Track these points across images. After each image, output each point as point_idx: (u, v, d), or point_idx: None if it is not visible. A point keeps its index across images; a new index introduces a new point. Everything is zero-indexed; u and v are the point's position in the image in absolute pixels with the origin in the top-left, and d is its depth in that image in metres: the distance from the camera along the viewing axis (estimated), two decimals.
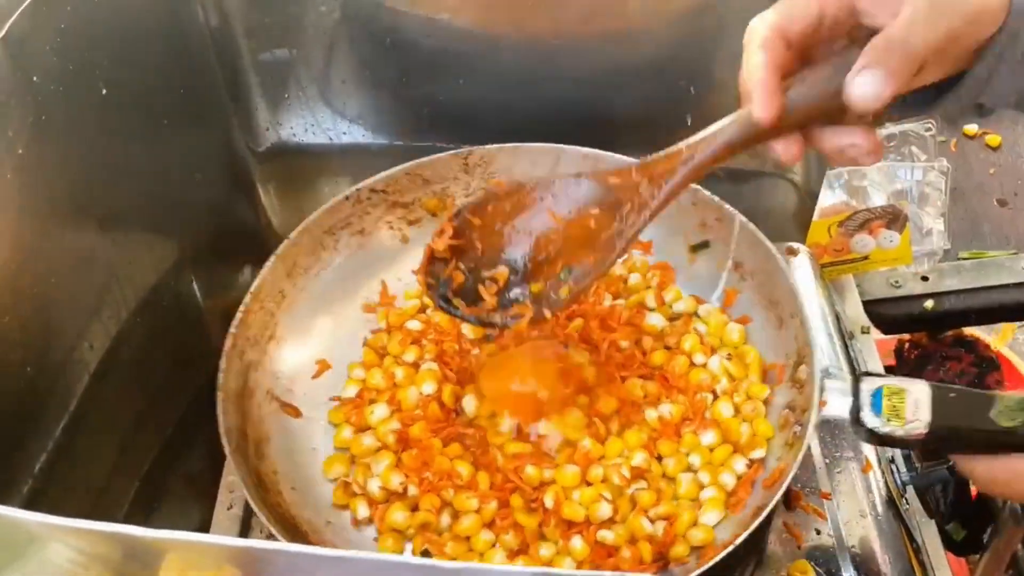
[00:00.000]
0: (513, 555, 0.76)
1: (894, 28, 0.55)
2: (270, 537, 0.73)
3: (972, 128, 1.51)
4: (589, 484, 0.79)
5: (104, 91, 0.77)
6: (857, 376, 0.69)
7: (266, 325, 0.87)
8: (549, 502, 0.77)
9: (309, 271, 0.91)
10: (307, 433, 0.85)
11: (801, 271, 1.00)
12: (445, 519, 0.78)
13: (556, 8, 0.94)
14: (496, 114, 0.99)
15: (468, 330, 0.89)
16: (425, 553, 0.77)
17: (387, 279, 0.95)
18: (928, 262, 1.17)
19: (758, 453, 0.80)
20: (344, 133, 1.06)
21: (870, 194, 1.15)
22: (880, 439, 0.67)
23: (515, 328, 0.81)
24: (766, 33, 0.58)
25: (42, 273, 0.72)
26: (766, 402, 0.83)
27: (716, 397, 0.84)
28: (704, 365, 0.86)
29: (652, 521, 0.77)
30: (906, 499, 0.84)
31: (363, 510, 0.80)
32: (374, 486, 0.80)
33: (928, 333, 1.26)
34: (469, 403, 0.84)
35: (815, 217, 1.03)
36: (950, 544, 0.82)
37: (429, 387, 0.85)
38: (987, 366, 1.29)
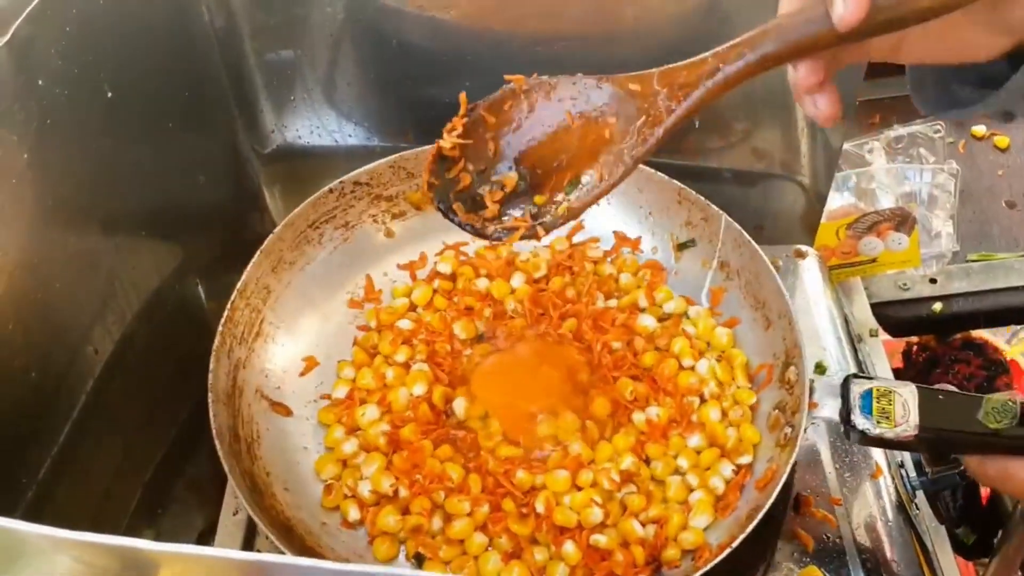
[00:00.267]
0: (508, 558, 0.76)
1: None
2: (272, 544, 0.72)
3: (980, 130, 1.50)
4: (579, 489, 0.79)
5: (109, 94, 0.77)
6: (845, 379, 0.69)
7: (253, 322, 0.87)
8: (540, 507, 0.77)
9: (294, 266, 0.91)
10: (298, 432, 0.85)
11: (809, 274, 1.00)
12: (437, 522, 0.78)
13: (560, 10, 0.93)
14: None
15: (460, 330, 0.89)
16: (419, 556, 0.77)
17: (372, 273, 0.95)
18: (937, 264, 1.17)
19: (745, 459, 0.80)
20: (349, 135, 1.05)
21: (878, 196, 1.15)
22: (871, 441, 0.67)
23: (511, 329, 0.80)
24: None
25: (46, 277, 0.72)
26: (754, 406, 0.83)
27: (704, 401, 0.84)
28: (692, 368, 0.86)
29: (643, 524, 0.77)
30: (916, 504, 0.84)
31: (354, 512, 0.79)
32: (364, 489, 0.80)
33: (936, 336, 1.25)
34: (459, 405, 0.84)
35: (823, 219, 1.02)
36: (960, 548, 0.82)
37: (420, 388, 0.85)
38: (996, 369, 1.28)
